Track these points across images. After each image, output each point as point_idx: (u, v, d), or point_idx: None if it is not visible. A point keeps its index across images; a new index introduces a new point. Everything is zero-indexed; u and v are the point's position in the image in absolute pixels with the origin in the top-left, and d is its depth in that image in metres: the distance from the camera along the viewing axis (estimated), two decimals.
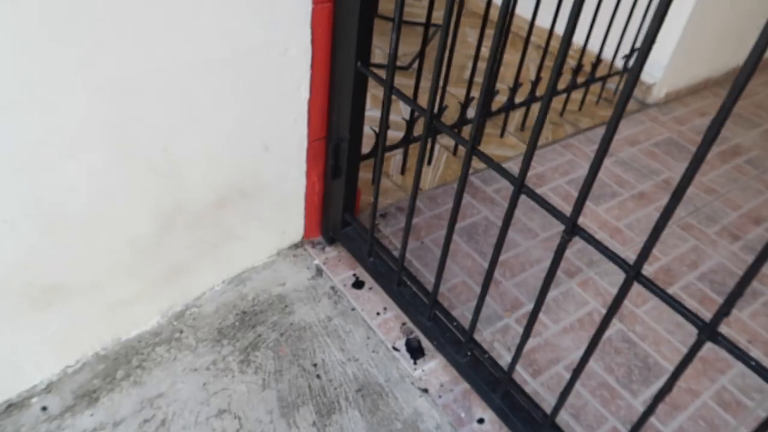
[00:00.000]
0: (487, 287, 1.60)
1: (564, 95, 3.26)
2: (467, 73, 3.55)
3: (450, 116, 2.95)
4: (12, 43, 1.22)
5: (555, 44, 3.47)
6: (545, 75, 3.22)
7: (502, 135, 3.10)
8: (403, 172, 2.73)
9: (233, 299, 2.05)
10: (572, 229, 1.26)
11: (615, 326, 2.17)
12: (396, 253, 2.03)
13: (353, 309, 2.06)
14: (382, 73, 1.67)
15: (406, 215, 1.79)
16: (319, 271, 2.19)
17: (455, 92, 3.33)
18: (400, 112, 3.13)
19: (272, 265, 2.19)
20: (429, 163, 2.83)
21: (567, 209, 1.64)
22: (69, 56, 1.32)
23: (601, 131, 3.26)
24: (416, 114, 2.53)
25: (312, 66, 1.81)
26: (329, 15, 1.73)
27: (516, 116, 3.29)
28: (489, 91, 2.78)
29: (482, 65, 2.40)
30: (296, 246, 2.27)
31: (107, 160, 1.53)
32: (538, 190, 2.80)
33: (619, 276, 2.09)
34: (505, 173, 1.41)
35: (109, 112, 1.47)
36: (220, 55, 1.59)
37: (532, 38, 3.31)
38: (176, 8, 1.44)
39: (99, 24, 1.33)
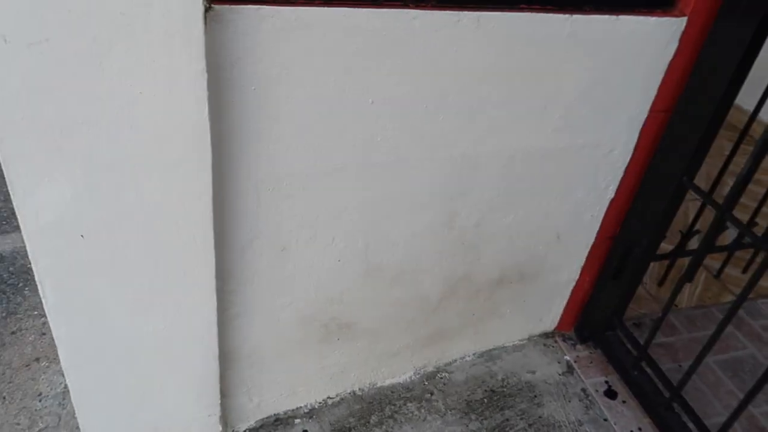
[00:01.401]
0: None
1: None
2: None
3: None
4: (406, 115, 1.38)
5: None
6: None
7: None
8: (661, 283, 2.57)
9: (482, 374, 2.05)
10: None
11: None
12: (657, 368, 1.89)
13: (605, 420, 1.95)
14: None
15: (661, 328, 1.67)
16: (570, 369, 2.11)
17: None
18: None
19: (522, 348, 2.16)
20: (689, 280, 2.63)
21: None
22: (435, 132, 1.46)
23: None
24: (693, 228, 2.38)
25: (626, 168, 1.80)
26: (661, 123, 1.71)
27: None
28: None
29: None
30: (547, 335, 2.23)
31: (430, 224, 1.64)
32: None
33: None
34: None
35: (447, 182, 1.58)
36: (552, 147, 1.64)
37: None
38: (533, 105, 1.52)
39: (464, 111, 1.45)
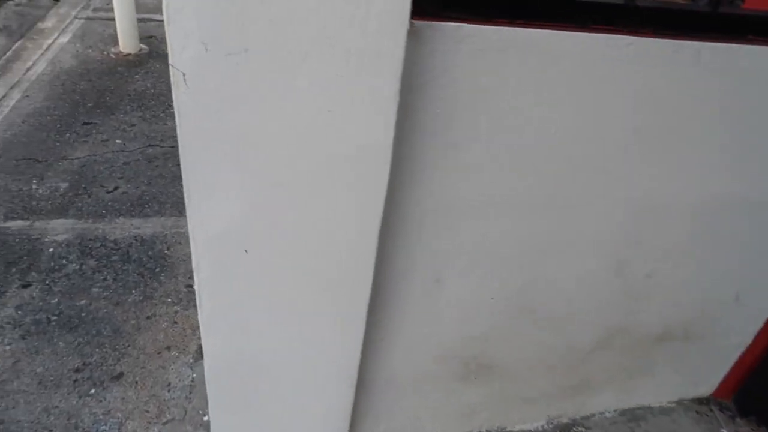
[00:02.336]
0: None
1: None
2: None
3: None
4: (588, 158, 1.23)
5: None
6: None
7: None
8: None
9: None
10: None
11: None
12: None
13: None
14: None
15: None
16: None
17: None
18: None
19: (671, 412, 1.93)
20: None
21: None
22: (618, 171, 1.29)
23: None
24: None
25: None
26: None
27: None
28: None
29: None
30: (701, 401, 1.97)
31: (596, 270, 1.47)
32: None
33: None
34: None
35: (622, 227, 1.40)
36: (755, 198, 1.41)
37: None
38: (742, 149, 1.31)
39: (656, 150, 1.27)
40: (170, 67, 0.91)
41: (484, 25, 1.02)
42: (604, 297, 1.54)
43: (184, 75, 0.91)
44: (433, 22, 0.99)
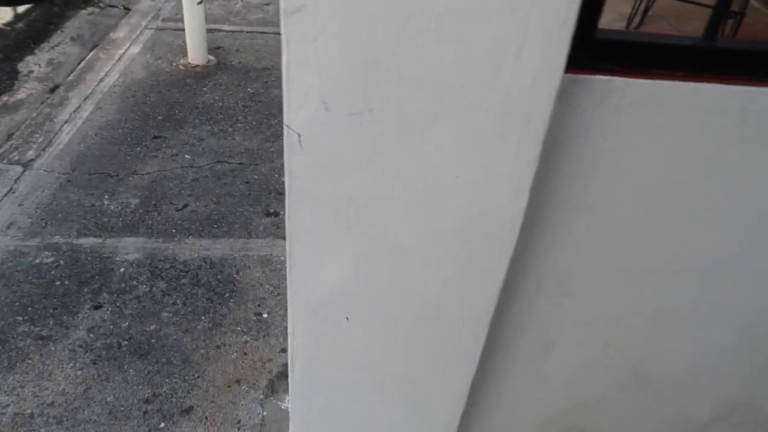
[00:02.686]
0: None
1: None
2: None
3: None
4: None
5: None
6: None
7: None
8: None
9: None
10: None
11: None
12: None
13: None
14: None
15: None
16: None
17: None
18: None
19: None
20: None
21: None
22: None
23: None
24: None
25: None
26: None
27: None
28: None
29: None
30: None
31: (723, 339, 1.30)
32: None
33: None
34: None
35: (754, 296, 1.23)
36: None
37: None
38: None
39: None
40: (285, 128, 0.81)
41: (637, 78, 0.88)
42: (730, 368, 1.37)
43: (299, 136, 0.81)
44: (583, 76, 0.85)
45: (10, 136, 3.33)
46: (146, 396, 2.00)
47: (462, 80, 0.77)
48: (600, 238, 1.07)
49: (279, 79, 3.85)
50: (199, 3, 3.78)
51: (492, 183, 0.87)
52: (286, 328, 2.28)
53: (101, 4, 5.07)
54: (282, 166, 2.81)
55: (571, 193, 1.00)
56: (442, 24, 0.73)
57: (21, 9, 4.63)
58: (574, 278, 1.13)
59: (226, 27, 4.53)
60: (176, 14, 4.66)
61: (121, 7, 5.07)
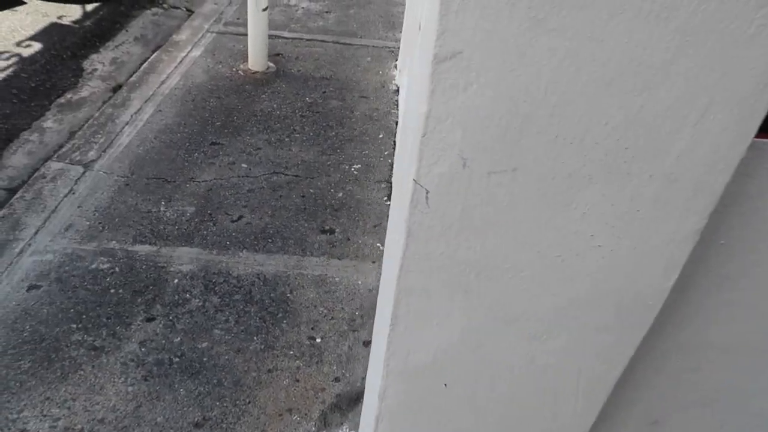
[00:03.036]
0: None
1: None
2: None
3: None
4: None
5: None
6: None
7: None
8: None
9: None
10: None
11: None
12: None
13: None
14: None
15: None
16: None
17: None
18: None
19: None
20: None
21: None
22: None
23: None
24: None
25: None
26: None
27: None
28: None
29: None
30: None
31: None
32: None
33: None
34: None
35: None
36: None
37: None
38: None
39: None
40: (413, 183, 0.71)
41: None
42: None
43: (427, 193, 0.71)
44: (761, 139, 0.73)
45: (72, 134, 3.34)
46: (196, 419, 1.93)
47: (627, 143, 0.66)
48: (740, 313, 0.94)
49: (337, 89, 3.79)
50: (264, 9, 3.75)
51: (639, 256, 0.75)
52: (339, 356, 2.19)
53: (165, 5, 5.11)
54: (339, 180, 2.71)
55: (715, 265, 0.87)
56: (616, 79, 0.62)
57: (90, 7, 4.70)
58: (701, 354, 1.00)
59: (286, 34, 4.50)
60: (238, 18, 4.66)
61: (184, 9, 5.11)
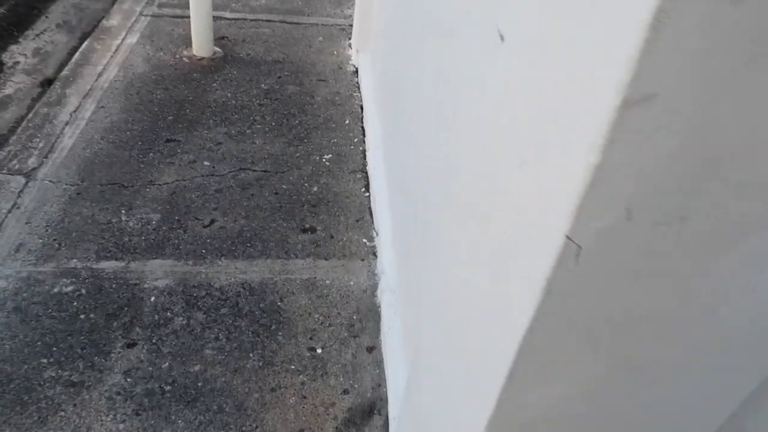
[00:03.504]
0: None
1: None
2: None
3: None
4: None
5: None
6: None
7: None
8: None
9: None
10: None
11: None
12: None
13: None
14: None
15: None
16: None
17: None
18: None
19: None
20: None
21: None
22: None
23: None
24: None
25: None
26: None
27: None
28: None
29: None
30: None
31: None
32: None
33: None
34: None
35: None
36: None
37: None
38: None
39: None
40: (563, 239, 0.60)
41: None
42: None
43: (579, 249, 0.61)
44: None
45: (2, 139, 3.00)
46: None
47: None
48: None
49: (292, 73, 3.58)
50: None
51: None
52: (344, 365, 2.08)
53: None
54: (311, 173, 2.55)
55: None
56: None
57: None
58: None
59: (228, 14, 4.21)
60: None
61: None
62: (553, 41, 0.64)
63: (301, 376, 2.02)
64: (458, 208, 1.03)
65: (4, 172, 2.68)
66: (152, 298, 2.22)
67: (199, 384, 1.96)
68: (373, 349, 2.13)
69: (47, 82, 3.51)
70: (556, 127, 0.62)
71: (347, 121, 3.30)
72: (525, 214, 0.68)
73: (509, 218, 0.75)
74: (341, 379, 2.03)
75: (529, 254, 0.67)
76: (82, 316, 2.12)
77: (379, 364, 2.09)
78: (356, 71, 3.72)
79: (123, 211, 2.57)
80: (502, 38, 0.81)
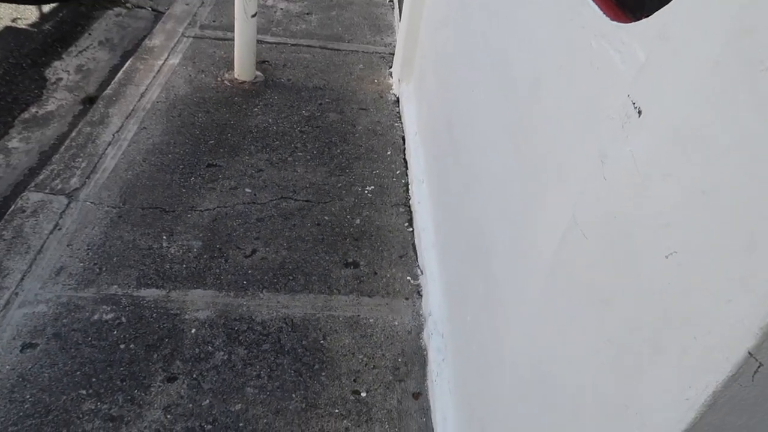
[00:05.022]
0: None
1: None
2: None
3: None
4: None
5: None
6: None
7: None
8: None
9: None
10: None
11: None
12: None
13: None
14: None
15: None
16: None
17: None
18: None
19: None
20: None
21: None
22: None
23: None
24: None
25: None
26: None
27: None
28: None
29: None
30: None
31: None
32: None
33: None
34: None
35: None
36: None
37: None
38: None
39: None
40: (746, 355, 0.54)
41: None
42: None
43: (759, 367, 0.54)
44: None
45: (43, 155, 2.99)
46: None
47: None
48: None
49: (333, 100, 3.55)
50: (253, 16, 3.47)
51: None
52: (389, 411, 2.01)
53: (128, 5, 4.72)
54: (353, 205, 2.50)
55: None
56: None
57: (47, 8, 4.26)
58: None
59: (269, 38, 4.22)
60: (214, 21, 4.34)
61: (150, 9, 4.73)
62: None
63: (345, 421, 1.95)
64: (556, 278, 0.96)
65: (47, 191, 2.67)
66: (193, 330, 2.17)
67: (240, 424, 1.90)
68: (419, 395, 2.06)
69: (89, 100, 3.53)
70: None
71: (389, 152, 3.26)
72: (686, 315, 0.62)
73: (654, 313, 0.68)
74: (386, 426, 1.95)
75: (684, 362, 0.60)
76: (122, 346, 2.07)
77: (425, 411, 2.01)
78: (397, 101, 3.69)
79: (164, 237, 2.54)
80: (639, 113, 0.75)
